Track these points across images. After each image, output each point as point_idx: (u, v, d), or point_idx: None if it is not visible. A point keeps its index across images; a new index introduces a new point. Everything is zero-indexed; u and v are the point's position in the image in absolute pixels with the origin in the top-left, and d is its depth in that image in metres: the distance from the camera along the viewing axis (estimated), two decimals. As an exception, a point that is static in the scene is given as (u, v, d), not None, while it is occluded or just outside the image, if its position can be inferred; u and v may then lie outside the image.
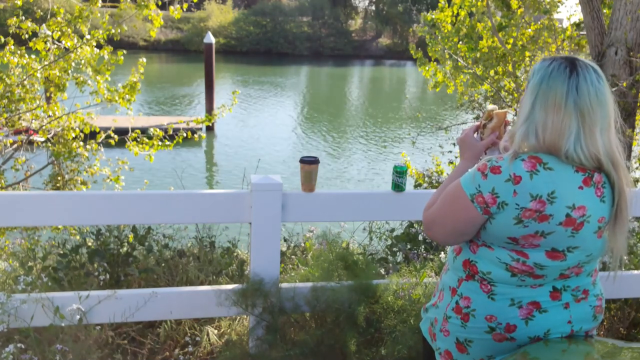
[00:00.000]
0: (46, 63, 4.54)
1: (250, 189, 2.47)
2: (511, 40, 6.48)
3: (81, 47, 4.60)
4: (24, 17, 4.56)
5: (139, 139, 5.12)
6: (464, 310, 1.53)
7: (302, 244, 3.48)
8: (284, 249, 3.44)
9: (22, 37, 4.59)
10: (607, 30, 4.60)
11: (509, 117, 1.80)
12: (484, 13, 6.75)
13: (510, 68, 6.43)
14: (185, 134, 5.51)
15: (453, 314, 1.55)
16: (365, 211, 2.64)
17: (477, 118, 6.76)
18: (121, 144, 5.20)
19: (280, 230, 2.59)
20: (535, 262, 1.43)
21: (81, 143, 4.84)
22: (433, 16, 7.27)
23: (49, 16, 4.67)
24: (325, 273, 2.67)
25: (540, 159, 1.39)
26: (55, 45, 4.64)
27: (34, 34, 4.60)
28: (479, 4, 6.78)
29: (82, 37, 4.68)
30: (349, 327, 2.50)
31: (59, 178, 4.91)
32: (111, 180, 5.04)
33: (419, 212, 2.64)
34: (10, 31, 4.55)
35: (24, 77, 4.50)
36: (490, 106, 1.78)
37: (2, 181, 4.53)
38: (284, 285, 2.62)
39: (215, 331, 2.82)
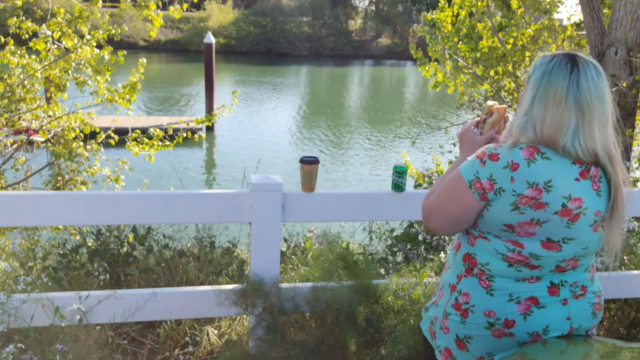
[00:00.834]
0: (46, 63, 4.54)
1: (250, 189, 2.47)
2: (511, 40, 6.48)
3: (81, 47, 4.60)
4: (24, 18, 4.56)
5: (139, 139, 5.12)
6: (463, 306, 1.54)
7: (302, 244, 3.48)
8: (284, 249, 3.45)
9: (22, 37, 4.59)
10: (607, 30, 4.60)
11: (509, 117, 1.80)
12: (484, 13, 6.75)
13: (510, 68, 6.43)
14: (185, 134, 5.51)
15: (452, 311, 1.57)
16: (365, 211, 2.64)
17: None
18: (121, 144, 5.20)
19: (280, 230, 2.59)
20: (531, 252, 1.45)
21: (81, 143, 4.83)
22: (433, 16, 7.27)
23: (49, 16, 4.67)
24: (325, 273, 2.67)
25: (538, 149, 1.42)
26: (56, 46, 4.64)
27: (34, 34, 4.60)
28: (479, 4, 6.78)
29: (82, 37, 4.68)
30: (349, 327, 2.50)
31: (59, 178, 4.91)
32: (111, 180, 5.03)
33: (419, 212, 2.65)
34: (11, 31, 4.55)
35: (24, 77, 4.50)
36: (490, 102, 1.80)
37: (2, 181, 4.53)
38: (284, 285, 2.62)
39: (215, 331, 2.82)
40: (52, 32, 4.58)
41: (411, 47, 7.43)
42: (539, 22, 6.43)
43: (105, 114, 5.61)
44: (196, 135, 5.90)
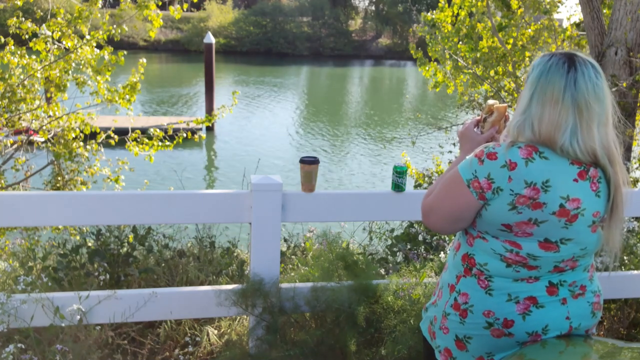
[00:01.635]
0: (46, 63, 4.54)
1: (250, 189, 2.47)
2: (511, 41, 6.48)
3: (81, 48, 4.60)
4: (23, 19, 4.56)
5: (139, 139, 5.12)
6: (462, 306, 1.54)
7: (302, 244, 3.48)
8: (284, 249, 3.45)
9: (23, 37, 4.59)
10: (607, 30, 4.60)
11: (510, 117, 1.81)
12: (484, 13, 6.75)
13: (510, 68, 6.43)
14: (185, 134, 5.51)
15: (452, 311, 1.57)
16: (365, 211, 2.64)
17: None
18: (121, 144, 5.21)
19: (280, 230, 2.59)
20: (529, 253, 1.45)
21: (81, 143, 4.83)
22: (433, 16, 7.27)
23: (49, 16, 4.67)
24: (325, 273, 2.67)
25: (536, 148, 1.41)
26: (56, 46, 4.64)
27: (34, 35, 4.60)
28: (479, 4, 6.78)
29: (82, 37, 4.68)
30: (349, 327, 2.50)
31: (59, 178, 4.91)
32: (111, 180, 5.04)
33: (419, 212, 2.64)
34: (11, 31, 4.55)
35: (25, 77, 4.50)
36: (490, 101, 1.80)
37: (2, 181, 4.53)
38: (284, 285, 2.62)
39: (215, 331, 2.82)
40: (52, 33, 4.58)
41: (411, 47, 7.43)
42: (539, 22, 6.43)
43: (105, 114, 5.61)
44: (196, 136, 5.92)
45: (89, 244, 3.05)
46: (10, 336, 2.39)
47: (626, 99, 4.52)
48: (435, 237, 3.40)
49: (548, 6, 6.27)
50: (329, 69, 37.31)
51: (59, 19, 4.61)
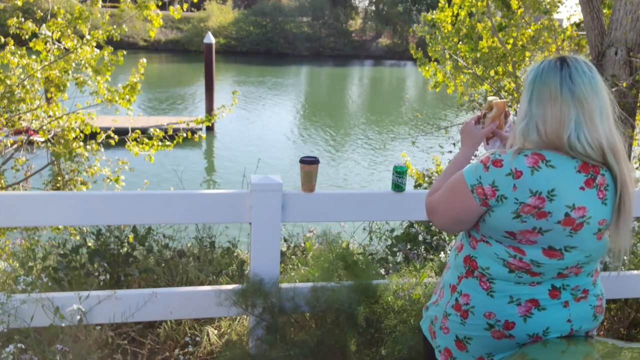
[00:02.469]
0: (46, 63, 4.54)
1: (250, 189, 2.47)
2: (511, 41, 6.48)
3: (81, 48, 4.60)
4: (23, 19, 4.56)
5: (139, 139, 5.12)
6: (463, 307, 1.54)
7: (302, 244, 3.48)
8: (284, 249, 3.44)
9: (23, 37, 4.59)
10: (607, 30, 4.60)
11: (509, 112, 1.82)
12: (484, 13, 6.74)
13: (510, 68, 6.43)
14: (185, 134, 5.51)
15: (452, 311, 1.56)
16: (365, 211, 2.64)
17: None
18: (121, 144, 5.20)
19: (280, 230, 2.59)
20: (532, 259, 1.44)
21: (81, 143, 4.83)
22: (433, 16, 7.26)
23: (49, 17, 4.67)
24: (325, 273, 2.67)
25: (543, 156, 1.39)
26: (56, 46, 4.64)
27: (34, 35, 4.60)
28: (479, 4, 6.77)
29: (82, 37, 4.68)
30: (349, 327, 2.50)
31: (59, 178, 4.91)
32: (111, 180, 5.03)
33: (419, 212, 2.66)
34: (11, 32, 4.55)
35: (25, 77, 4.49)
36: (490, 97, 1.81)
37: (2, 181, 4.53)
38: (284, 285, 2.62)
39: (215, 331, 2.82)
40: (52, 33, 4.57)
41: (411, 47, 7.43)
42: (539, 22, 6.42)
43: (105, 114, 5.61)
44: (196, 135, 5.90)
45: (89, 244, 3.05)
46: (10, 336, 2.39)
47: (626, 99, 4.52)
48: (435, 237, 3.40)
49: (548, 6, 6.26)
50: (329, 69, 37.30)
51: (59, 19, 4.60)
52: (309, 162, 2.50)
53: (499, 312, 1.48)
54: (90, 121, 4.97)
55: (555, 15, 6.53)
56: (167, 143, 5.21)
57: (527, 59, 6.37)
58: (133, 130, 5.17)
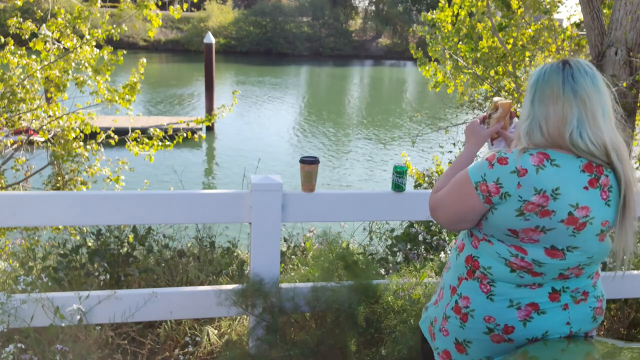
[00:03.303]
0: (46, 63, 4.54)
1: (250, 189, 2.47)
2: (511, 40, 6.48)
3: (81, 47, 4.60)
4: (23, 19, 4.56)
5: (139, 139, 5.12)
6: (463, 310, 1.53)
7: (302, 244, 3.48)
8: (284, 249, 3.44)
9: (22, 37, 4.58)
10: (607, 30, 4.60)
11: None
12: (484, 13, 6.74)
13: (510, 68, 6.43)
14: (185, 134, 5.51)
15: (452, 314, 1.56)
16: (365, 211, 2.64)
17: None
18: (121, 144, 5.20)
19: (280, 230, 2.59)
20: (534, 259, 1.44)
21: (81, 143, 4.83)
22: (433, 16, 7.27)
23: (49, 16, 4.66)
24: (325, 273, 2.67)
25: (548, 155, 1.40)
26: (55, 46, 4.63)
27: (34, 35, 4.60)
28: (479, 4, 6.77)
29: (82, 37, 4.68)
30: (349, 327, 2.50)
31: (59, 178, 4.91)
32: (111, 180, 5.03)
33: (419, 212, 2.66)
34: (11, 31, 4.55)
35: (24, 77, 4.49)
36: (496, 97, 1.82)
37: (2, 181, 4.53)
38: (284, 285, 2.62)
39: (215, 331, 2.82)
40: (52, 33, 4.57)
41: (411, 47, 7.43)
42: (539, 22, 6.43)
43: (105, 114, 5.61)
44: (196, 135, 5.90)
45: (89, 244, 3.05)
46: (10, 336, 2.39)
47: (626, 99, 4.52)
48: (435, 237, 3.40)
49: (548, 6, 6.26)
50: (329, 69, 37.30)
51: (58, 19, 4.60)
52: (309, 162, 2.50)
53: (499, 316, 1.48)
54: (90, 121, 4.97)
55: (555, 15, 6.53)
56: (167, 143, 5.21)
57: (527, 59, 6.37)
58: (133, 130, 5.17)
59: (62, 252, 2.97)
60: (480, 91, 7.17)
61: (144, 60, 5.08)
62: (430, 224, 3.48)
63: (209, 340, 2.77)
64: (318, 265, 2.76)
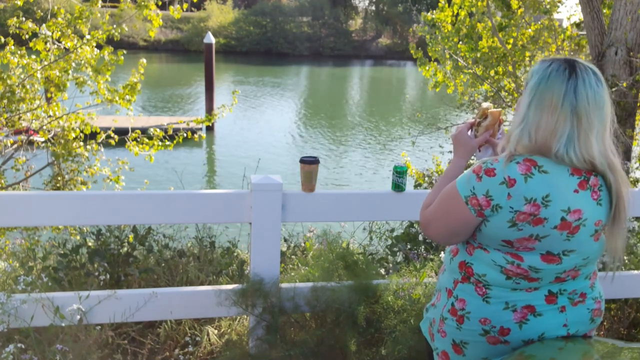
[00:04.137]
0: (46, 63, 4.54)
1: (250, 189, 2.47)
2: (511, 40, 6.48)
3: (81, 47, 4.60)
4: (23, 19, 4.56)
5: (139, 139, 5.12)
6: (459, 312, 1.53)
7: (302, 244, 3.48)
8: (284, 249, 3.44)
9: (23, 37, 4.59)
10: (607, 30, 4.60)
11: (508, 117, 1.81)
12: (484, 13, 6.75)
13: (510, 68, 6.43)
14: (185, 134, 5.51)
15: (449, 316, 1.56)
16: (365, 211, 2.64)
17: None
18: (121, 144, 5.21)
19: (280, 230, 2.59)
20: (530, 266, 1.43)
21: (81, 143, 4.84)
22: (433, 16, 7.27)
23: (49, 16, 4.67)
24: (325, 273, 2.67)
25: (535, 162, 1.38)
26: (56, 46, 4.64)
27: (34, 34, 4.60)
28: (479, 4, 6.78)
29: (82, 37, 4.68)
30: (349, 327, 2.50)
31: (59, 178, 4.91)
32: (111, 180, 5.04)
33: (418, 212, 2.66)
34: (11, 31, 4.55)
35: (25, 77, 4.50)
36: (484, 104, 1.78)
37: (2, 181, 4.53)
38: (284, 285, 2.62)
39: (215, 331, 2.82)
40: (52, 33, 4.58)
41: (411, 47, 7.43)
42: (539, 22, 6.43)
43: (105, 114, 5.61)
44: (196, 135, 5.90)
45: (89, 244, 3.05)
46: (10, 336, 2.39)
47: (626, 99, 4.52)
48: (435, 237, 3.39)
49: (548, 6, 6.27)
50: (329, 69, 37.30)
51: (59, 19, 4.60)
52: (309, 162, 2.50)
53: (495, 318, 1.48)
54: (90, 121, 4.97)
55: (555, 15, 6.54)
56: (167, 143, 5.21)
57: (527, 59, 6.37)
58: (133, 130, 5.17)
59: (62, 252, 2.97)
60: (480, 91, 7.17)
61: (144, 60, 5.09)
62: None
63: (209, 340, 2.77)
64: (318, 265, 2.76)
